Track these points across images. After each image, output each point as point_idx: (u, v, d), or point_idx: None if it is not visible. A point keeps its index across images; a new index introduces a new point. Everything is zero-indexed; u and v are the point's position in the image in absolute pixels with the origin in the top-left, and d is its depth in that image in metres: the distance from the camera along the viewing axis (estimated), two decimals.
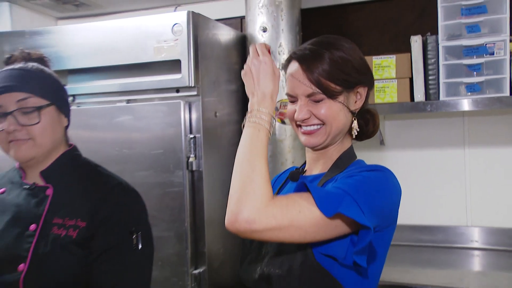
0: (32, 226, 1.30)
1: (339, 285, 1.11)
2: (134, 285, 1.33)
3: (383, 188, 1.10)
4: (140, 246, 1.35)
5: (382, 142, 2.45)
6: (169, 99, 1.94)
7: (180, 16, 1.89)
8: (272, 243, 1.15)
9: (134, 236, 1.34)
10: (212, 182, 2.00)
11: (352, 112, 1.21)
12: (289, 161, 2.19)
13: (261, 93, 1.10)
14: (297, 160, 2.14)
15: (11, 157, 1.35)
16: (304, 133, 1.21)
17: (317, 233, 1.03)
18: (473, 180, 2.48)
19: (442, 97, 2.22)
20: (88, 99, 2.09)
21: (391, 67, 2.32)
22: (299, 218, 1.00)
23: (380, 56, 2.34)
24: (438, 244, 2.48)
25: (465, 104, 2.14)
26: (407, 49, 2.32)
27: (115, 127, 2.00)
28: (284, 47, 2.21)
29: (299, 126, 1.21)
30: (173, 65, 1.91)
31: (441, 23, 2.22)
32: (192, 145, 1.91)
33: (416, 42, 2.29)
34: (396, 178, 1.15)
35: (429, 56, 2.27)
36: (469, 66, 2.19)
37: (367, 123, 1.26)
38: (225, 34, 2.18)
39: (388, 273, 1.96)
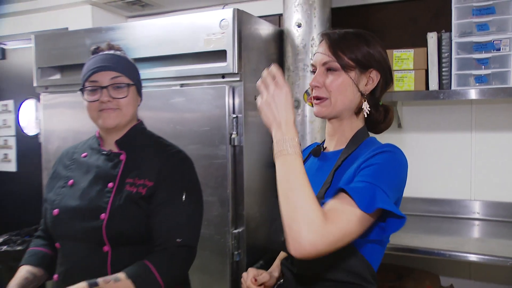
0: (110, 184, 1.42)
1: (360, 255, 1.16)
2: (186, 232, 1.42)
3: (396, 168, 1.11)
4: (190, 201, 1.44)
5: (400, 125, 2.62)
6: (216, 84, 2.00)
7: (227, 13, 1.95)
8: None
9: (185, 193, 1.44)
10: (251, 156, 2.05)
11: (362, 93, 1.21)
12: (318, 139, 2.21)
13: (284, 121, 1.06)
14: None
15: (98, 124, 1.47)
16: (315, 103, 1.22)
17: (362, 229, 1.04)
18: (477, 160, 2.51)
19: (453, 86, 2.26)
20: (148, 83, 2.14)
21: (410, 59, 2.34)
22: (349, 226, 1.00)
23: (400, 50, 2.36)
24: (445, 214, 2.53)
25: (473, 93, 2.18)
26: (424, 44, 2.34)
27: (170, 108, 2.08)
28: (316, 40, 2.24)
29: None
30: (220, 55, 1.98)
31: (454, 21, 2.25)
32: (234, 123, 1.97)
33: (432, 38, 2.32)
34: (404, 155, 1.15)
35: (443, 51, 2.30)
36: (478, 60, 2.22)
37: (382, 116, 1.26)
38: (265, 29, 2.22)
39: (399, 239, 2.02)
